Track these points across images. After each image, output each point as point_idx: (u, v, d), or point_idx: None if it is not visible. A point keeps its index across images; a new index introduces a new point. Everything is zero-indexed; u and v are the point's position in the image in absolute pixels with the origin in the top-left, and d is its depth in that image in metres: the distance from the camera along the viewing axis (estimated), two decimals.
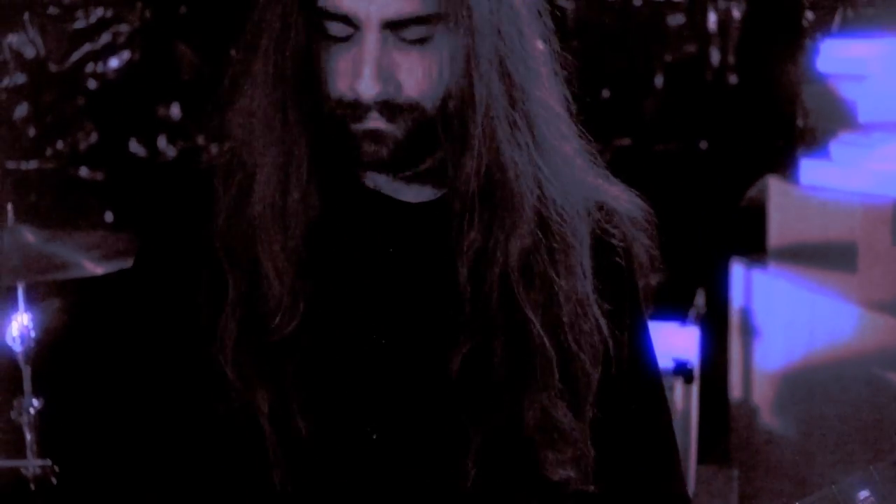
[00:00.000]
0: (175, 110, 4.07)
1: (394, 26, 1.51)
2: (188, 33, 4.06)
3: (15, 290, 3.03)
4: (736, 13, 4.16)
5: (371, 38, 1.52)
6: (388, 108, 1.53)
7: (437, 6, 1.50)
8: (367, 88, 1.52)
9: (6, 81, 3.96)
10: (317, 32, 1.55)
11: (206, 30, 4.04)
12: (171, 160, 4.06)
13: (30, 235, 3.10)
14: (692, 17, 4.17)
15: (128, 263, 3.02)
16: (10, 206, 3.14)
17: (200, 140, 4.06)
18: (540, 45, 1.63)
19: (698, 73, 4.20)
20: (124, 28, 4.04)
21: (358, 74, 1.52)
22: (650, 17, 4.16)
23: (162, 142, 4.07)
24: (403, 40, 1.52)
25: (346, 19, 1.52)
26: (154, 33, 4.05)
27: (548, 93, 1.64)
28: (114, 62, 4.04)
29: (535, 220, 1.59)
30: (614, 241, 1.69)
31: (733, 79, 4.19)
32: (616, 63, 4.15)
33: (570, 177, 1.66)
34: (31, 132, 3.98)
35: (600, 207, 1.69)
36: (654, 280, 1.74)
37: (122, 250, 3.11)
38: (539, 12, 1.62)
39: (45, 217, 3.40)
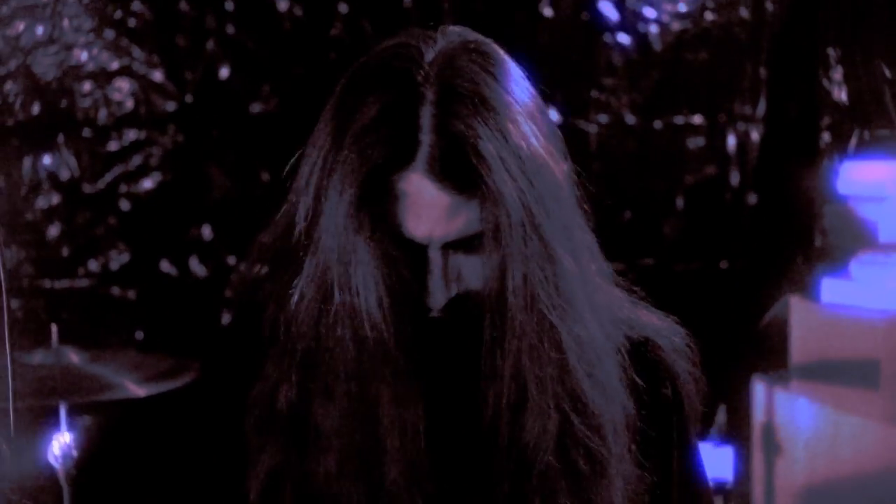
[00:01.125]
0: (206, 231, 4.21)
1: (451, 245, 1.74)
2: (219, 156, 4.21)
3: (57, 409, 3.15)
4: (754, 135, 4.32)
5: (435, 257, 1.75)
6: (452, 302, 1.76)
7: (479, 224, 1.73)
8: (437, 302, 1.76)
9: (41, 202, 4.11)
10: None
11: (236, 153, 4.21)
12: (202, 279, 4.20)
13: (73, 356, 3.23)
14: (712, 140, 4.32)
15: (170, 386, 3.17)
16: (54, 327, 3.28)
17: (231, 260, 4.20)
18: (570, 193, 1.81)
19: (718, 195, 4.35)
20: (157, 150, 4.19)
21: (425, 289, 1.77)
22: (670, 140, 4.32)
23: (193, 262, 4.21)
24: (458, 250, 1.75)
25: (411, 243, 1.75)
26: (186, 156, 4.20)
27: (580, 236, 1.81)
28: (146, 183, 4.19)
29: (566, 397, 1.76)
30: (661, 375, 1.84)
31: (753, 199, 4.34)
32: (637, 185, 4.31)
33: (607, 320, 1.81)
34: (65, 252, 4.12)
35: (643, 342, 1.84)
36: (701, 405, 1.88)
37: (164, 372, 3.24)
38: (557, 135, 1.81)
39: (77, 335, 3.52)
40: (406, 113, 1.70)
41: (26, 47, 4.11)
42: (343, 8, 4.18)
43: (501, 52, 1.81)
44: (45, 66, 4.12)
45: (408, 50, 1.75)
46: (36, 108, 4.11)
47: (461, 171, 1.69)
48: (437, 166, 1.69)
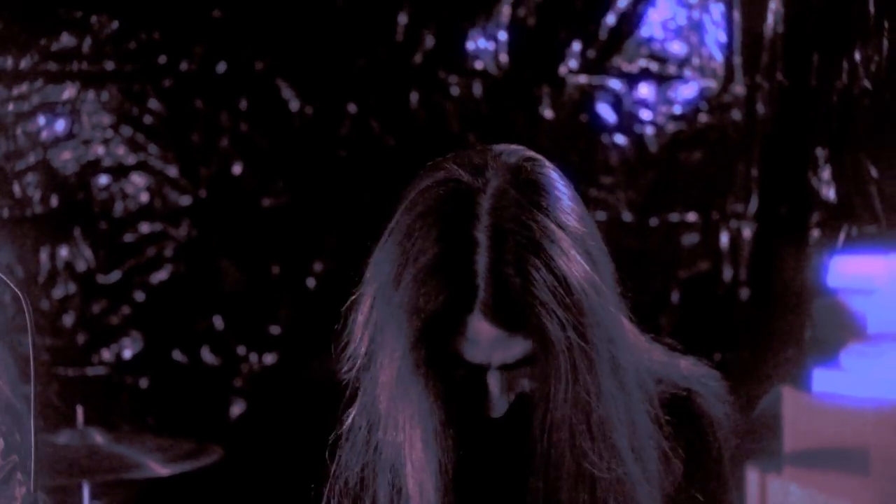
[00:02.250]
0: (218, 321, 4.38)
1: (507, 367, 1.97)
2: (231, 249, 4.40)
3: (80, 488, 3.32)
4: (747, 232, 4.51)
5: (493, 379, 1.98)
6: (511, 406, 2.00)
7: (532, 347, 1.95)
8: (498, 413, 2.00)
9: (57, 291, 4.29)
10: None
11: (248, 246, 4.38)
12: (213, 369, 4.36)
13: (98, 437, 3.41)
14: (705, 237, 4.51)
15: (191, 466, 3.34)
16: (79, 409, 3.46)
17: (241, 350, 4.37)
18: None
19: (712, 289, 4.53)
20: (171, 243, 4.38)
21: (487, 404, 2.00)
22: (666, 237, 4.50)
23: (205, 351, 4.37)
24: (514, 370, 1.98)
25: (470, 365, 1.97)
26: (199, 248, 4.39)
27: (620, 336, 2.04)
28: (160, 275, 4.37)
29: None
30: (704, 425, 2.06)
31: (745, 294, 4.52)
32: (634, 279, 4.49)
33: (642, 371, 2.05)
34: (80, 340, 4.29)
35: (685, 395, 2.08)
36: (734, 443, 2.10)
37: (186, 453, 3.41)
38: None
39: (94, 420, 3.68)
40: (463, 260, 1.90)
41: (46, 142, 4.31)
42: (352, 108, 4.38)
43: (550, 174, 2.01)
44: (64, 161, 4.32)
45: (460, 191, 1.95)
46: (54, 201, 4.30)
47: (514, 313, 1.91)
48: (492, 311, 1.90)
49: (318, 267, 4.35)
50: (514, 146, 2.06)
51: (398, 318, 1.92)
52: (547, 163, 2.04)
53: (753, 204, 4.48)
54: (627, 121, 4.47)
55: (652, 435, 2.03)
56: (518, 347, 1.94)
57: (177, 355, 4.36)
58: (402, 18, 4.37)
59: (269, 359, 4.37)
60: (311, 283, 4.35)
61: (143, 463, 3.32)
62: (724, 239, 4.51)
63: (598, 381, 1.95)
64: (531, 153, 2.04)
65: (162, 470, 3.31)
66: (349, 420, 2.07)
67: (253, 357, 4.38)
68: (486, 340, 1.93)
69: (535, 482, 1.98)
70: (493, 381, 1.97)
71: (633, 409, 2.01)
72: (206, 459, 3.43)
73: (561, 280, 1.89)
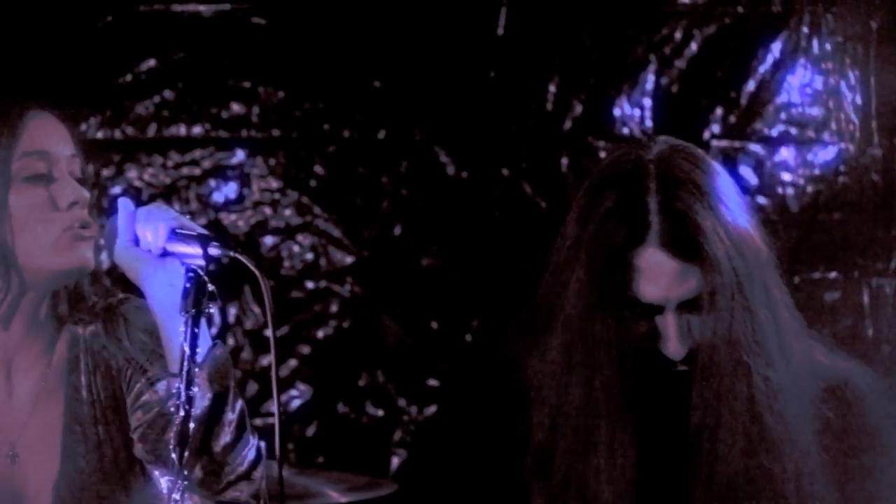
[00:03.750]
0: (380, 375, 4.59)
1: (682, 306, 2.21)
2: (392, 306, 4.62)
3: None
4: (887, 289, 4.61)
5: (672, 317, 2.21)
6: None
7: (703, 285, 2.18)
8: (677, 354, 2.22)
9: (230, 345, 4.53)
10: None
11: (408, 304, 4.61)
12: (375, 420, 4.56)
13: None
14: (847, 294, 4.58)
15: (367, 496, 3.54)
16: (263, 444, 3.67)
17: (402, 402, 4.57)
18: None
19: (854, 346, 4.62)
20: (335, 300, 4.61)
21: (667, 340, 2.20)
22: (808, 294, 4.58)
23: (367, 404, 4.58)
24: (686, 310, 2.21)
25: (649, 306, 2.19)
26: (361, 305, 4.62)
27: (777, 293, 2.26)
28: (325, 330, 4.61)
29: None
30: (857, 412, 2.25)
31: (887, 350, 4.62)
32: None
33: (800, 365, 2.26)
34: (250, 392, 4.52)
35: (842, 384, 2.27)
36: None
37: (362, 486, 3.62)
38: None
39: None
40: (636, 201, 2.18)
41: (217, 204, 4.58)
42: (505, 172, 4.61)
43: (706, 155, 2.30)
44: (234, 222, 4.59)
45: (631, 154, 2.25)
46: (224, 260, 4.53)
47: (685, 243, 2.15)
48: (666, 240, 2.15)
49: (475, 323, 4.56)
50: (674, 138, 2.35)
51: (586, 255, 2.18)
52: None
53: (894, 262, 4.60)
54: (768, 183, 4.63)
55: (802, 405, 2.21)
56: (692, 282, 2.16)
57: (341, 407, 4.57)
58: (552, 87, 4.60)
59: (429, 411, 4.57)
60: (468, 338, 4.55)
61: (323, 492, 3.53)
62: (866, 296, 4.63)
63: (756, 333, 2.16)
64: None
65: (341, 498, 3.52)
66: (548, 351, 2.28)
67: (413, 409, 4.57)
68: (661, 273, 2.15)
69: (701, 421, 2.18)
70: (672, 320, 2.18)
71: (785, 370, 2.21)
72: (382, 491, 3.63)
73: (723, 217, 2.14)
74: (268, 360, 4.56)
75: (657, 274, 2.19)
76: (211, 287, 2.10)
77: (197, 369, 2.06)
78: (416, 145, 4.62)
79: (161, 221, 2.13)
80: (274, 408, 2.19)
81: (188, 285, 2.09)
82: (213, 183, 4.60)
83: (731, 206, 2.22)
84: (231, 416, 2.16)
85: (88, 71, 4.50)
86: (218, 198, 4.60)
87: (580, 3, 4.60)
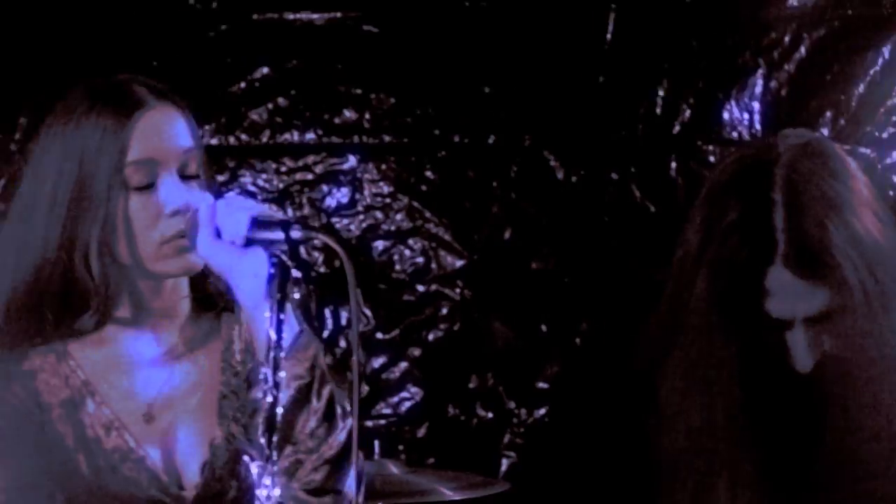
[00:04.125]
0: (489, 378, 4.63)
1: (810, 320, 2.19)
2: (502, 309, 4.66)
3: None
4: None
5: (798, 333, 2.21)
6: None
7: (832, 301, 2.17)
8: (805, 367, 2.24)
9: (339, 348, 4.59)
10: None
11: (517, 307, 4.64)
12: (485, 422, 4.60)
13: (393, 468, 3.68)
14: None
15: (480, 494, 3.57)
16: (377, 442, 3.74)
17: (511, 405, 4.61)
18: None
19: None
20: (446, 303, 4.67)
21: (795, 353, 2.22)
22: None
23: (478, 408, 4.62)
24: (815, 324, 2.21)
25: (776, 321, 2.20)
26: (471, 309, 4.66)
27: None
28: (436, 333, 4.67)
29: None
30: None
31: None
32: None
33: None
34: (363, 391, 4.57)
35: None
36: None
37: (475, 485, 3.66)
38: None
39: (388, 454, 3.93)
40: (761, 217, 2.15)
41: (329, 209, 4.65)
42: (614, 175, 4.63)
43: (837, 150, 2.26)
44: (346, 226, 4.65)
45: (755, 160, 2.21)
46: (337, 263, 4.61)
47: (813, 263, 2.13)
48: (793, 260, 2.13)
49: (584, 326, 4.58)
50: (800, 129, 2.31)
51: (708, 272, 2.17)
52: (832, 142, 2.27)
53: None
54: (879, 185, 4.55)
55: None
56: (819, 299, 2.15)
57: (451, 409, 4.62)
58: (661, 91, 4.62)
59: (539, 414, 4.59)
60: (577, 341, 4.58)
61: (435, 490, 3.57)
62: None
63: (885, 329, 2.15)
64: (817, 133, 2.28)
65: (453, 495, 3.56)
66: (674, 360, 2.29)
67: (522, 412, 4.60)
68: (788, 292, 2.14)
69: (831, 437, 2.17)
70: (799, 335, 2.17)
71: None
72: (494, 490, 3.67)
73: (854, 230, 2.11)
74: (379, 361, 4.62)
75: (784, 292, 2.17)
76: (295, 273, 2.13)
77: (283, 355, 2.08)
78: (526, 150, 4.66)
79: (241, 211, 2.16)
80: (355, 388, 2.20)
81: (272, 271, 2.12)
82: (325, 188, 4.66)
83: (863, 214, 2.18)
84: (316, 404, 2.18)
85: (203, 79, 4.57)
86: (330, 202, 4.66)
87: (688, 8, 4.60)
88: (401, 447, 4.57)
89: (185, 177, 2.29)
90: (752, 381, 2.19)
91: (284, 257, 2.12)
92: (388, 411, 4.62)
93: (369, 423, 4.59)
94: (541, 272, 4.65)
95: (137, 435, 2.22)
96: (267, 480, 2.03)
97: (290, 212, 4.59)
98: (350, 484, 2.20)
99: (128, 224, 2.22)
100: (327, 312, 4.62)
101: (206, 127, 4.60)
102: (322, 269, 4.64)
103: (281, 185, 4.65)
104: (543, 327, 4.62)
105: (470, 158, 4.67)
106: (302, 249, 4.51)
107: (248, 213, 2.17)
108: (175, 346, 2.31)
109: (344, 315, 4.62)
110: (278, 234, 2.12)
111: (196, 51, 4.62)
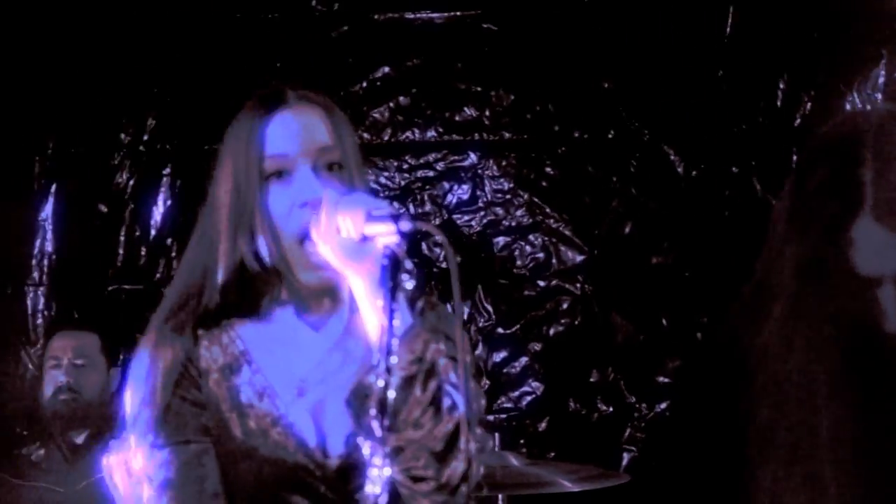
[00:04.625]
0: (610, 373, 4.66)
1: None
2: (622, 304, 4.69)
3: (497, 499, 3.65)
4: None
5: (889, 287, 2.19)
6: None
7: None
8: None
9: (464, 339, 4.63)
10: None
11: (637, 302, 4.67)
12: (607, 417, 4.63)
13: (513, 460, 3.71)
14: None
15: (601, 485, 3.59)
16: (496, 435, 3.79)
17: (631, 399, 4.63)
18: None
19: None
20: (566, 298, 4.70)
21: (887, 312, 2.20)
22: None
23: (599, 402, 4.65)
24: None
25: (866, 280, 2.20)
26: (592, 303, 4.69)
27: None
28: (556, 328, 4.70)
29: None
30: None
31: None
32: None
33: None
34: (485, 386, 4.62)
35: None
36: None
37: (595, 476, 3.67)
38: None
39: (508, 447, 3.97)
40: (851, 173, 2.17)
41: (450, 205, 4.70)
42: (735, 169, 4.62)
43: None
44: (467, 222, 4.70)
45: (847, 125, 2.24)
46: (457, 259, 4.65)
47: None
48: (882, 212, 2.14)
49: (704, 319, 4.58)
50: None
51: (799, 227, 2.19)
52: None
53: None
54: None
55: None
56: None
57: (572, 404, 4.64)
58: (782, 84, 4.60)
59: (660, 408, 4.60)
60: (698, 335, 4.58)
61: (555, 481, 3.59)
62: None
63: None
64: None
65: (573, 487, 3.58)
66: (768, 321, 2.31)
67: (643, 406, 4.61)
68: (876, 246, 2.17)
69: None
70: (890, 292, 2.18)
71: None
72: (614, 482, 3.68)
73: None
74: (500, 356, 4.66)
75: (872, 246, 2.17)
76: (408, 263, 2.17)
77: (395, 339, 2.12)
78: (646, 144, 4.68)
79: (358, 207, 2.21)
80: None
81: (385, 262, 2.16)
82: (446, 185, 4.73)
83: None
84: (420, 395, 2.21)
85: (325, 79, 4.65)
86: (451, 199, 4.72)
87: (808, 1, 4.59)
88: (521, 441, 4.61)
89: (321, 172, 2.35)
90: (848, 344, 2.19)
91: (397, 249, 2.16)
92: (509, 405, 4.65)
93: (490, 418, 4.63)
94: (661, 266, 4.67)
95: (288, 404, 2.32)
96: (378, 460, 2.06)
97: (411, 209, 4.65)
98: (455, 475, 2.24)
99: (268, 215, 2.31)
100: (449, 308, 4.65)
101: None
102: (444, 265, 4.68)
103: (403, 183, 4.72)
104: (664, 321, 4.63)
105: (590, 154, 4.71)
106: (424, 245, 4.67)
107: (364, 209, 2.22)
108: (332, 328, 2.39)
109: (465, 310, 4.66)
110: (390, 226, 2.17)
111: (318, 52, 4.71)
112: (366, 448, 2.03)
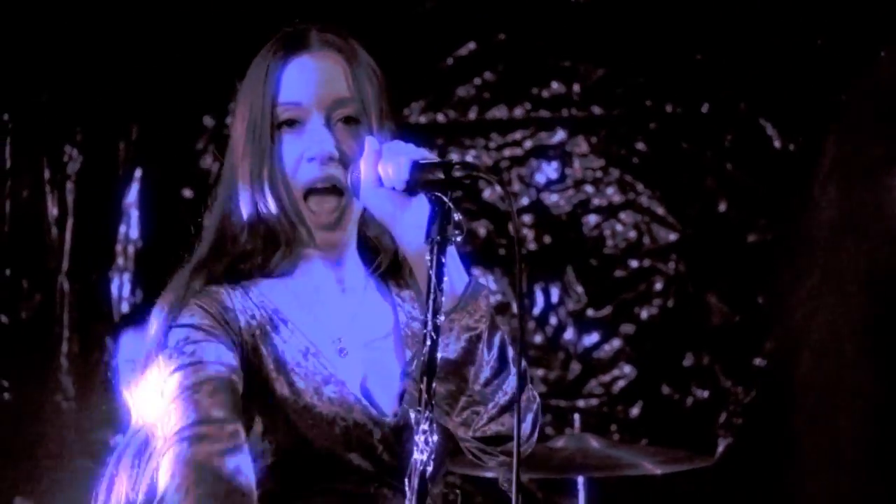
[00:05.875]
0: (705, 357, 4.52)
1: None
2: (717, 284, 4.54)
3: (575, 482, 3.55)
4: None
5: None
6: None
7: None
8: None
9: (550, 326, 4.54)
10: None
11: (733, 282, 4.52)
12: (702, 402, 4.50)
13: (593, 442, 3.60)
14: None
15: (683, 468, 3.48)
16: (577, 416, 3.68)
17: (727, 384, 4.48)
18: None
19: None
20: (659, 278, 4.58)
21: None
22: None
23: (693, 387, 4.52)
24: None
25: None
26: (686, 284, 4.57)
27: None
28: (649, 309, 4.58)
29: None
30: None
31: None
32: None
33: None
34: (573, 373, 4.52)
35: None
36: None
37: (678, 458, 3.56)
38: None
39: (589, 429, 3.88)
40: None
41: (539, 184, 4.61)
42: (830, 140, 4.46)
43: None
44: (556, 202, 4.60)
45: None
46: (547, 240, 4.57)
47: None
48: None
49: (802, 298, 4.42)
50: None
51: (832, 187, 2.07)
52: None
53: None
54: None
55: None
56: None
57: (665, 388, 4.52)
58: (883, 53, 4.43)
59: (755, 392, 4.45)
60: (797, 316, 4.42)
61: (638, 464, 3.48)
62: None
63: None
64: None
65: (655, 469, 3.47)
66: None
67: (739, 390, 4.47)
68: None
69: None
70: None
71: None
72: (699, 463, 3.57)
73: None
74: (591, 339, 4.56)
75: None
76: (457, 215, 2.07)
77: (444, 299, 2.04)
78: (741, 118, 4.54)
79: (402, 155, 2.13)
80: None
81: (433, 213, 2.07)
82: (534, 163, 4.64)
83: None
84: (488, 355, 2.14)
85: (411, 56, 4.59)
86: (540, 178, 4.64)
87: None
88: (613, 427, 4.50)
89: (334, 124, 2.27)
90: (877, 290, 2.07)
91: (446, 199, 2.07)
92: (599, 391, 4.55)
93: (581, 403, 4.54)
94: (758, 245, 4.50)
95: (335, 363, 2.24)
96: (425, 426, 1.98)
97: (498, 189, 4.56)
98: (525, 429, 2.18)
99: (280, 164, 2.24)
100: (537, 289, 4.58)
101: (414, 105, 4.63)
102: (532, 246, 4.60)
103: (489, 161, 4.63)
104: (761, 299, 4.47)
105: (683, 129, 4.59)
106: (510, 227, 4.58)
107: (408, 158, 2.14)
108: (359, 284, 2.32)
109: (555, 292, 4.57)
110: (439, 175, 2.08)
111: (404, 28, 4.64)
112: (411, 414, 1.96)
